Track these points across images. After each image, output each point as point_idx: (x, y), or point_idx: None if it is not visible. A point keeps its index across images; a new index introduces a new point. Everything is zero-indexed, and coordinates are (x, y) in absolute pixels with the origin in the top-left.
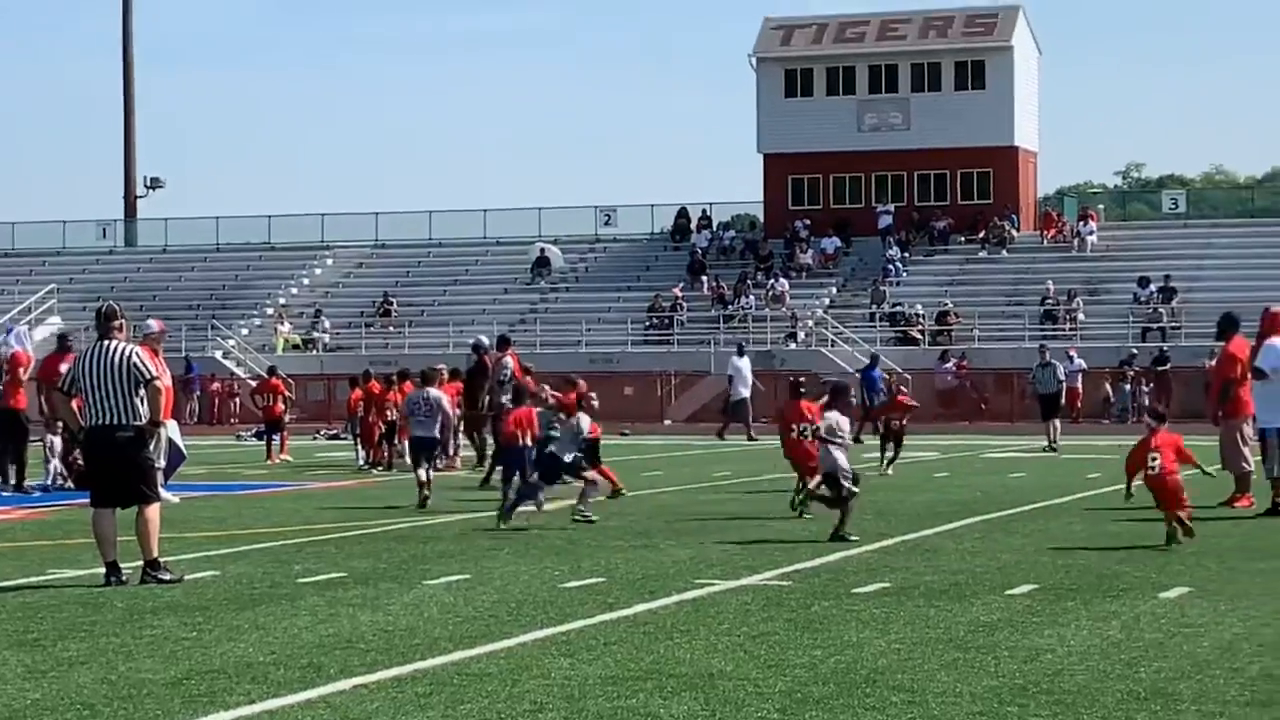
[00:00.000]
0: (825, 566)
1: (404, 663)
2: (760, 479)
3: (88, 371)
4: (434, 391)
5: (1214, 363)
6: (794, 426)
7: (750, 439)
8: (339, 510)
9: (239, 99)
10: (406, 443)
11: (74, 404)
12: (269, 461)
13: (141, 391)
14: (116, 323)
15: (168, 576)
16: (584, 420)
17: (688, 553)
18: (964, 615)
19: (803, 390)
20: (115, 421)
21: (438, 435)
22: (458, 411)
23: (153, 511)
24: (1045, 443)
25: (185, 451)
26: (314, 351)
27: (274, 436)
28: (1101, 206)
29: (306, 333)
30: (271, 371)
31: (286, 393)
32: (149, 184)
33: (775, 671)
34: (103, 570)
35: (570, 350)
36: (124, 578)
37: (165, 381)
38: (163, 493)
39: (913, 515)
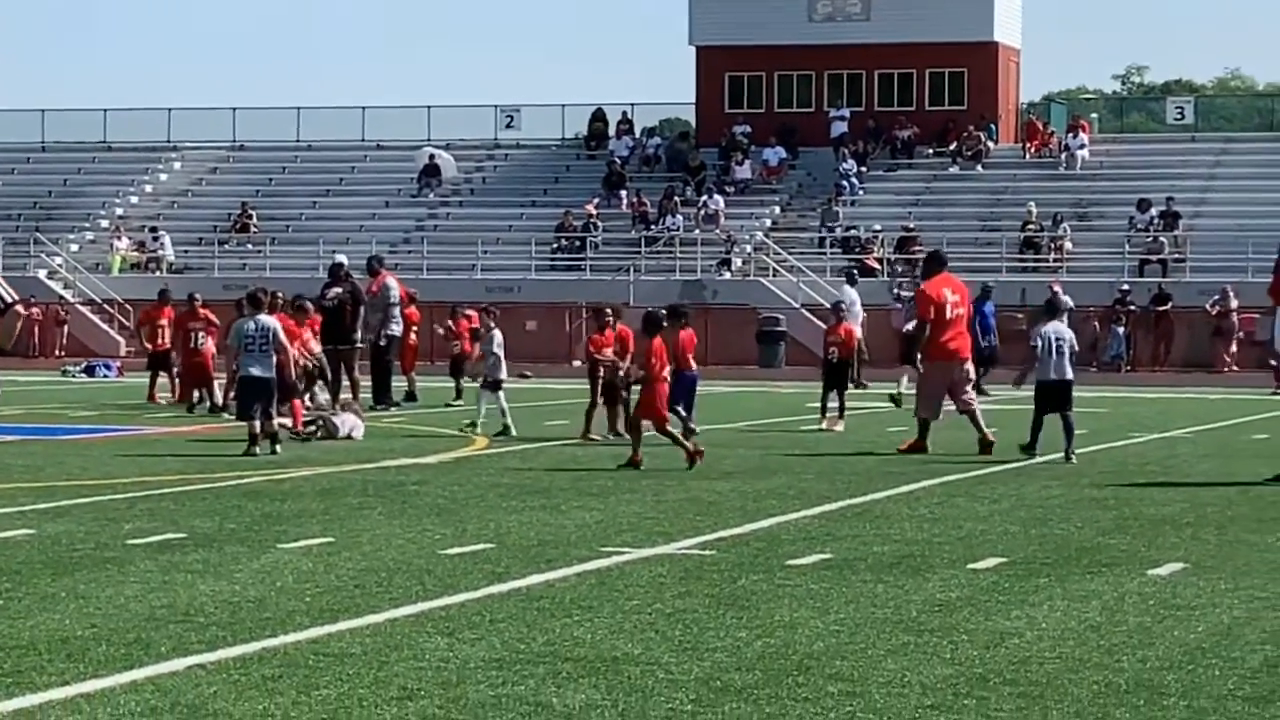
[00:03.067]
0: (756, 534)
1: (250, 640)
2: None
3: None
4: (267, 319)
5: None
6: None
7: (859, 385)
8: (179, 460)
9: None
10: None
11: None
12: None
13: None
14: None
15: None
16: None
17: (594, 515)
18: (917, 593)
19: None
20: None
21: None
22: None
23: None
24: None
25: None
26: (156, 272)
27: (162, 372)
28: (1095, 116)
29: (146, 250)
30: (189, 299)
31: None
32: None
33: (691, 655)
34: None
35: (463, 276)
36: None
37: None
38: None
39: (861, 476)
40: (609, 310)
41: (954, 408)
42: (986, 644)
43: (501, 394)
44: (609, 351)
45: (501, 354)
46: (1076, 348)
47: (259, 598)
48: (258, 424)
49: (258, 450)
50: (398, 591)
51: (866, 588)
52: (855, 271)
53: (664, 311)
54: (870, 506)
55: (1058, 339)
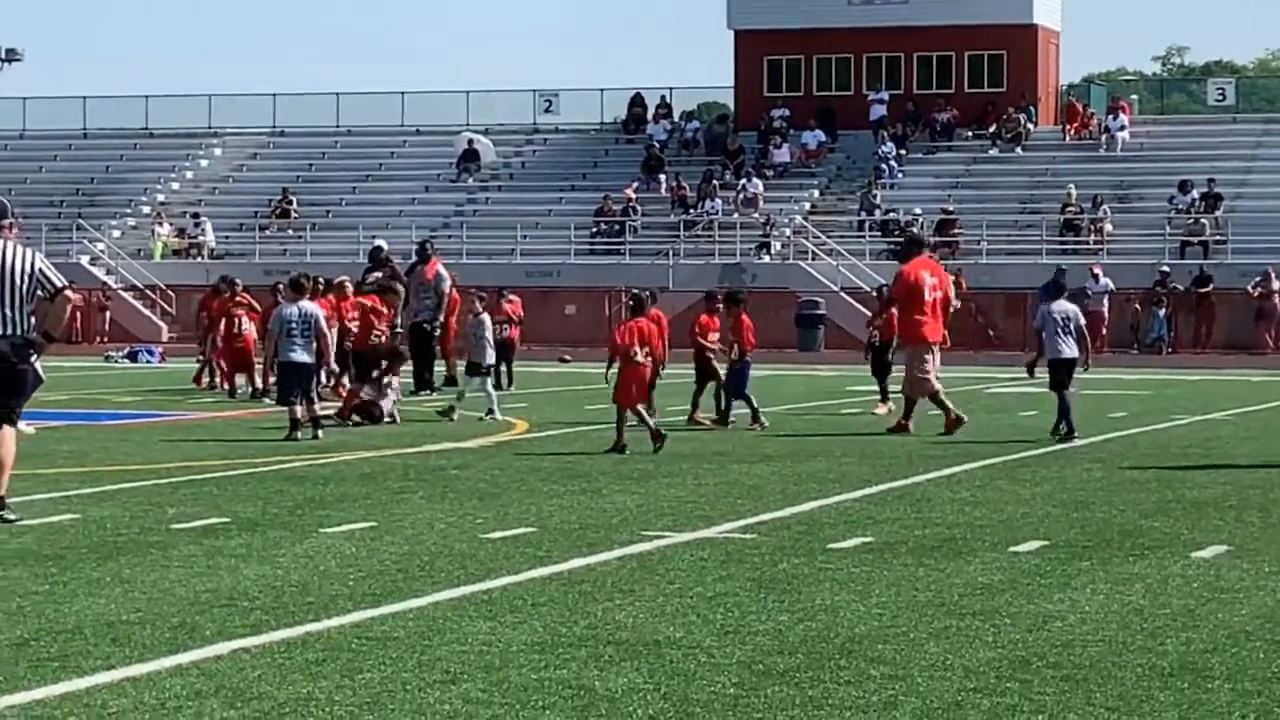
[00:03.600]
0: (797, 517)
1: (294, 624)
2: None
3: None
4: (309, 305)
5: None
6: None
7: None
8: (222, 445)
9: None
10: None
11: None
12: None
13: (33, 304)
14: (6, 221)
15: (12, 517)
16: None
17: (634, 499)
18: (959, 576)
19: None
20: (10, 332)
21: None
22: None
23: (9, 437)
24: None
25: (43, 374)
26: (198, 258)
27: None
28: (1135, 97)
29: (188, 236)
30: (230, 284)
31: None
32: (4, 57)
33: (733, 639)
34: None
35: (503, 261)
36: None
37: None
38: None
39: (901, 459)
40: (720, 294)
41: (901, 384)
42: (1029, 627)
43: (475, 379)
44: (714, 336)
45: (490, 338)
46: (1083, 322)
47: (302, 582)
48: (299, 409)
49: (299, 435)
50: (440, 575)
51: (908, 571)
52: None
53: (647, 294)
54: (911, 490)
55: (1064, 317)
